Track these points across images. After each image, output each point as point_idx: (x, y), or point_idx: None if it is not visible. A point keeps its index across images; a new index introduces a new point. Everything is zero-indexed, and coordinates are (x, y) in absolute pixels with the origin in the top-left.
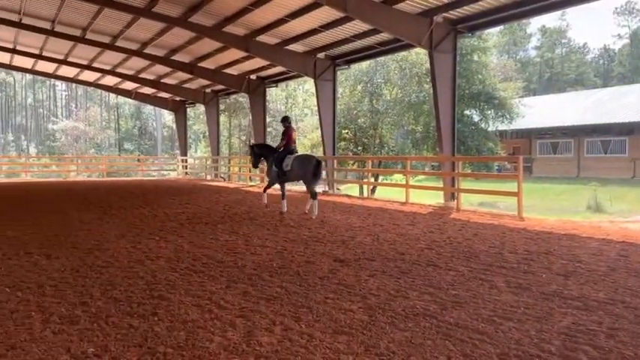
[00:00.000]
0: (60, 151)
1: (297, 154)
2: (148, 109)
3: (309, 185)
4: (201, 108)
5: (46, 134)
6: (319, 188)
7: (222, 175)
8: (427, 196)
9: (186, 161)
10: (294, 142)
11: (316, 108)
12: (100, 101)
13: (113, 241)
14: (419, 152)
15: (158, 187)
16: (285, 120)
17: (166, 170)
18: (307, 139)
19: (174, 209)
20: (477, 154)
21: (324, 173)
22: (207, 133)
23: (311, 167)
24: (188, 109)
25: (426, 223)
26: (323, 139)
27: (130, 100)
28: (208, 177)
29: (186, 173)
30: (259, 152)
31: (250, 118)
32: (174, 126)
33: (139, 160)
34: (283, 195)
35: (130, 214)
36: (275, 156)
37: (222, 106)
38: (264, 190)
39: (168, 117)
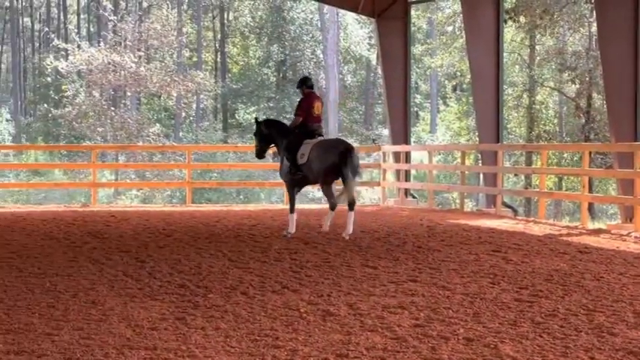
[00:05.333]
0: (71, 132)
1: (320, 139)
2: (304, 14)
3: (326, 186)
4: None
5: (37, 87)
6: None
7: (510, 205)
8: None
9: (406, 159)
10: (320, 120)
11: None
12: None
13: None
14: None
15: None
16: (304, 84)
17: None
18: None
19: None
20: None
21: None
22: (469, 78)
23: (335, 158)
24: (415, 13)
25: None
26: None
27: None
28: (470, 205)
29: (408, 194)
30: (268, 133)
31: None
32: (373, 59)
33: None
34: (292, 207)
35: None
36: (286, 142)
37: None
38: (291, 209)
39: (356, 35)
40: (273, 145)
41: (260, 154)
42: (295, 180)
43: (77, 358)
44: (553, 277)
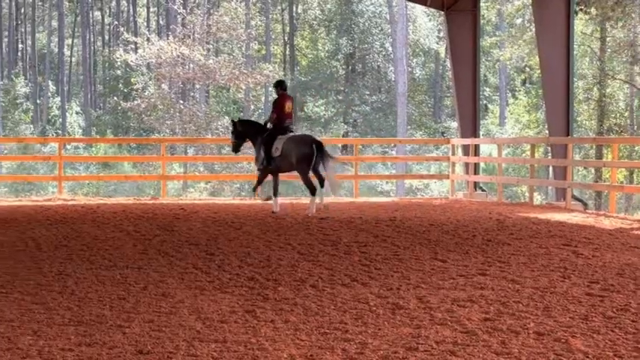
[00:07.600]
0: (140, 125)
1: (291, 135)
2: (373, 7)
3: (304, 175)
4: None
5: (107, 80)
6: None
7: (580, 199)
8: None
9: (475, 151)
10: (290, 117)
11: None
12: None
13: None
14: None
15: None
16: (279, 85)
17: (423, 179)
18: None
19: None
20: None
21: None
22: (538, 71)
23: (305, 151)
24: (484, 5)
25: None
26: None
27: None
28: (539, 199)
29: (477, 187)
30: (242, 130)
31: None
32: (441, 52)
33: (345, 150)
34: (275, 190)
35: None
36: (263, 137)
37: None
38: (255, 189)
39: (425, 28)
40: (247, 140)
41: (236, 148)
42: (268, 170)
43: (148, 350)
44: (625, 272)
